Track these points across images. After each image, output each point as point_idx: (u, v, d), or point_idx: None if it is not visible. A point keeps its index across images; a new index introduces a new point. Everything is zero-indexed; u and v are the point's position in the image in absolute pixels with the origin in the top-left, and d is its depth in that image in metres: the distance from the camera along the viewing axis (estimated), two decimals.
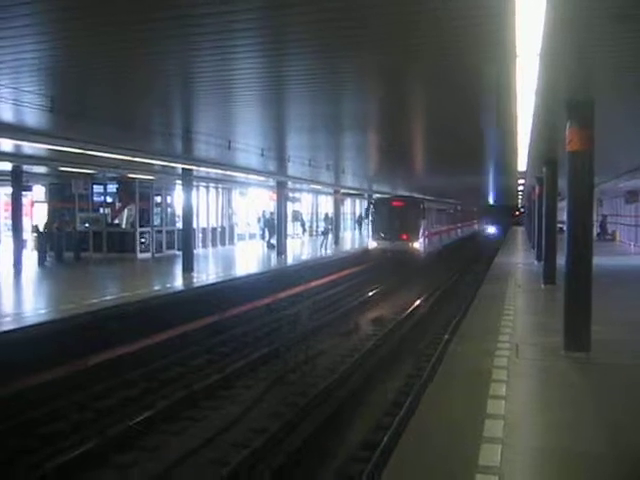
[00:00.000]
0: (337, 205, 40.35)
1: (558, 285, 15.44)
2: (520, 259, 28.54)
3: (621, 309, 13.89)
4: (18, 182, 22.45)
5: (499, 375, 8.42)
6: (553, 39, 6.14)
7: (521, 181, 31.02)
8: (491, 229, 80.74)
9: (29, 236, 27.10)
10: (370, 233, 32.14)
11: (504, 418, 6.76)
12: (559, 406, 7.50)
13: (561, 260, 10.54)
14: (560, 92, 9.31)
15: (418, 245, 30.51)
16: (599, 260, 20.34)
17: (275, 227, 29.93)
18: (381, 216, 31.17)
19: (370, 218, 32.67)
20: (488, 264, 27.71)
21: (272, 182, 29.90)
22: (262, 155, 17.78)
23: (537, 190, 26.36)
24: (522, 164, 19.62)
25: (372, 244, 31.01)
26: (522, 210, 69.59)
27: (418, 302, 20.53)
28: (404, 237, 30.17)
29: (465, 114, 11.84)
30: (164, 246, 27.70)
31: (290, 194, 37.23)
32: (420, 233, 30.64)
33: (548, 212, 19.46)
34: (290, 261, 26.16)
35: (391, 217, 30.70)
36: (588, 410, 7.34)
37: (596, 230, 39.88)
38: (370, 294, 22.30)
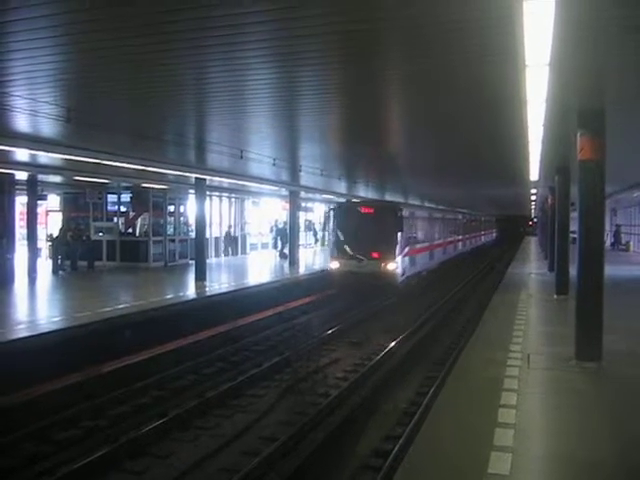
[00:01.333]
0: None
1: (570, 295, 15.38)
2: (533, 269, 28.42)
3: (634, 319, 13.81)
4: (33, 191, 22.70)
5: (510, 384, 8.44)
6: (563, 49, 6.19)
7: (533, 191, 30.98)
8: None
9: (44, 245, 27.37)
10: (330, 249, 23.88)
11: (515, 427, 6.77)
12: (570, 415, 7.50)
13: (574, 270, 10.53)
14: (571, 101, 9.34)
15: (394, 266, 22.04)
16: (612, 270, 20.35)
17: (287, 236, 30.02)
18: (344, 227, 22.90)
19: (330, 229, 24.31)
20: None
21: (285, 192, 29.99)
22: (274, 165, 17.90)
23: (549, 200, 26.30)
24: (534, 173, 19.63)
25: (333, 264, 22.62)
26: (535, 220, 69.21)
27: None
28: (375, 256, 21.91)
29: (474, 123, 11.88)
30: (177, 255, 27.85)
31: (303, 204, 37.34)
32: (397, 250, 22.28)
33: (560, 221, 19.39)
34: (302, 271, 26.22)
35: (358, 228, 22.46)
36: (599, 420, 7.32)
37: (610, 240, 39.67)
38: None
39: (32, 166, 18.75)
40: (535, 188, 28.88)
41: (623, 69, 7.66)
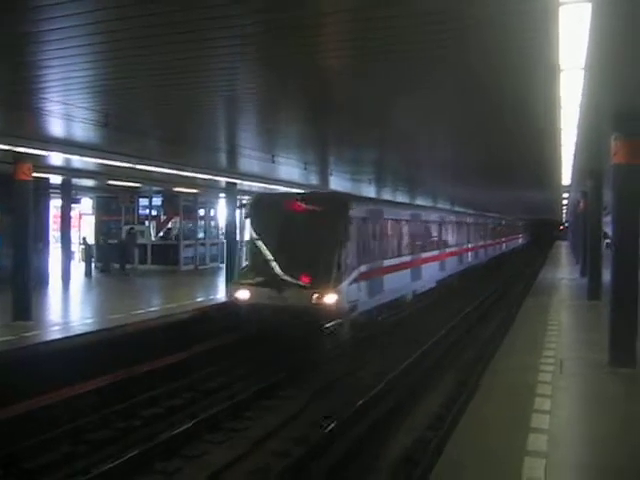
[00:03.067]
0: None
1: (603, 301, 15.20)
2: (565, 274, 28.10)
3: None
4: (67, 194, 23.09)
5: (543, 390, 8.38)
6: (598, 53, 6.16)
7: (565, 195, 30.64)
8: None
9: (77, 247, 27.82)
10: (237, 270, 15.57)
11: (548, 432, 6.73)
12: (603, 421, 7.43)
13: (606, 275, 10.42)
14: (605, 104, 9.26)
15: (335, 298, 13.45)
16: None
17: None
18: (258, 234, 14.85)
19: (240, 238, 16.39)
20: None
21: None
22: (305, 169, 17.98)
23: (581, 204, 26.01)
24: (566, 177, 19.42)
25: (239, 293, 14.25)
26: (566, 225, 68.30)
27: None
28: (304, 280, 13.65)
29: (507, 126, 11.80)
30: (207, 259, 28.07)
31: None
32: (342, 270, 13.82)
33: (592, 226, 19.18)
34: None
35: (278, 236, 14.57)
36: (632, 426, 7.25)
37: None
38: None
39: (66, 170, 19.09)
40: (567, 192, 28.55)
41: None
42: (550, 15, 5.14)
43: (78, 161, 16.31)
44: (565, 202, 37.25)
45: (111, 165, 15.69)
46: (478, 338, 16.97)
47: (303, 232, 14.19)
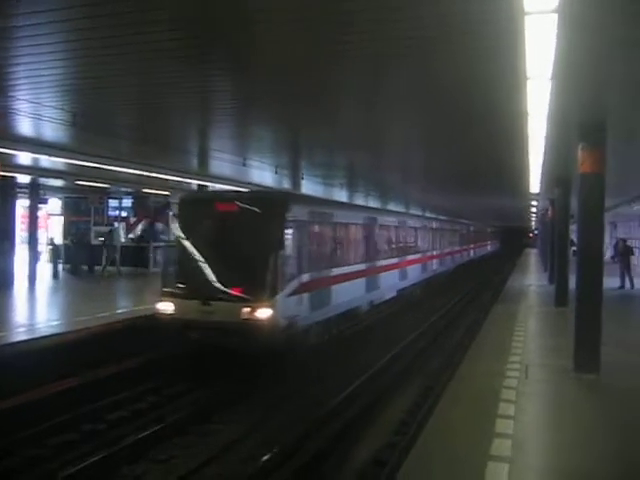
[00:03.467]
0: None
1: (570, 307, 15.41)
2: (533, 281, 28.43)
3: (632, 331, 13.83)
4: (35, 194, 22.74)
5: (508, 395, 8.45)
6: (565, 63, 6.26)
7: (534, 203, 31.06)
8: None
9: (44, 248, 27.40)
10: (161, 278, 13.78)
11: (512, 437, 6.78)
12: (567, 427, 7.52)
13: (573, 282, 10.57)
14: (572, 114, 9.40)
15: (270, 313, 11.70)
16: (612, 283, 20.40)
17: None
18: (185, 237, 13.01)
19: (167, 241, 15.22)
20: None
21: None
22: (276, 173, 17.97)
23: (550, 212, 26.37)
24: (535, 186, 19.69)
25: (162, 306, 12.40)
26: (535, 232, 69.14)
27: None
28: (236, 292, 11.98)
29: (475, 134, 11.94)
30: None
31: None
32: (280, 279, 12.07)
33: (560, 234, 19.46)
34: None
35: (207, 240, 12.88)
36: (596, 431, 7.34)
37: (610, 253, 39.73)
38: None
39: (34, 169, 18.82)
40: (536, 200, 28.93)
41: (624, 83, 7.71)
42: (516, 25, 5.21)
43: (46, 161, 16.10)
44: (534, 210, 37.75)
45: (79, 165, 15.50)
46: (444, 347, 16.84)
47: (235, 236, 12.48)
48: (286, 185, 22.84)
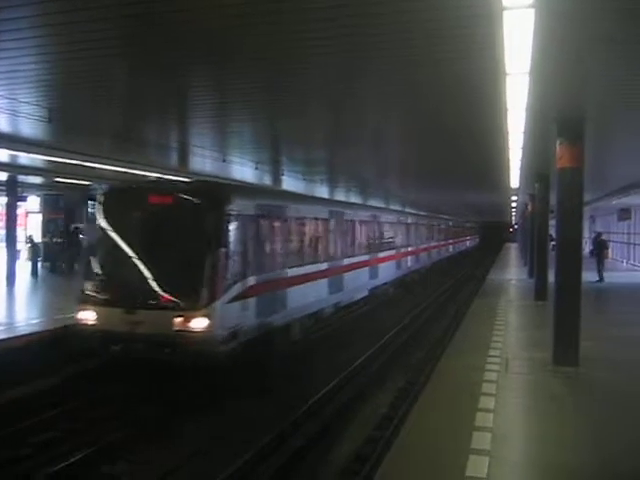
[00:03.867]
0: None
1: (549, 301, 15.55)
2: (513, 275, 28.63)
3: (611, 325, 13.99)
4: (13, 192, 22.48)
5: (488, 389, 8.51)
6: (542, 59, 6.29)
7: (514, 198, 31.24)
8: None
9: (23, 246, 27.10)
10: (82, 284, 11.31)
11: (492, 430, 6.83)
12: (546, 419, 7.58)
13: (553, 276, 10.66)
14: (550, 109, 9.48)
15: (207, 323, 10.12)
16: (590, 277, 20.60)
17: None
18: (107, 237, 11.29)
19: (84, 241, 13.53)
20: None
21: None
22: (256, 169, 17.89)
23: (529, 206, 26.56)
24: (515, 181, 19.81)
25: (82, 314, 10.72)
26: (515, 227, 69.57)
27: None
28: (166, 299, 10.38)
29: (455, 129, 11.96)
30: None
31: None
32: (217, 284, 10.46)
33: (539, 228, 19.61)
34: None
35: (132, 240, 11.07)
36: (574, 423, 7.42)
37: (588, 247, 40.15)
38: None
39: (12, 167, 18.57)
40: (516, 195, 29.12)
41: (601, 79, 7.78)
42: (494, 20, 5.22)
43: (24, 158, 15.90)
44: (514, 205, 38.00)
45: (58, 162, 15.32)
46: (422, 344, 16.76)
47: (166, 233, 10.87)
48: (267, 181, 22.72)
